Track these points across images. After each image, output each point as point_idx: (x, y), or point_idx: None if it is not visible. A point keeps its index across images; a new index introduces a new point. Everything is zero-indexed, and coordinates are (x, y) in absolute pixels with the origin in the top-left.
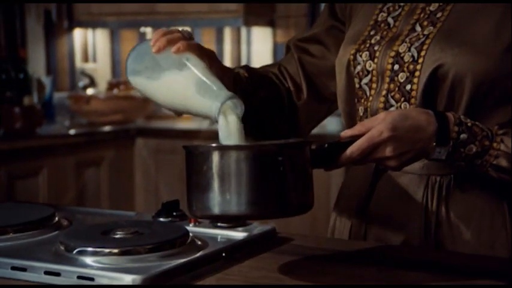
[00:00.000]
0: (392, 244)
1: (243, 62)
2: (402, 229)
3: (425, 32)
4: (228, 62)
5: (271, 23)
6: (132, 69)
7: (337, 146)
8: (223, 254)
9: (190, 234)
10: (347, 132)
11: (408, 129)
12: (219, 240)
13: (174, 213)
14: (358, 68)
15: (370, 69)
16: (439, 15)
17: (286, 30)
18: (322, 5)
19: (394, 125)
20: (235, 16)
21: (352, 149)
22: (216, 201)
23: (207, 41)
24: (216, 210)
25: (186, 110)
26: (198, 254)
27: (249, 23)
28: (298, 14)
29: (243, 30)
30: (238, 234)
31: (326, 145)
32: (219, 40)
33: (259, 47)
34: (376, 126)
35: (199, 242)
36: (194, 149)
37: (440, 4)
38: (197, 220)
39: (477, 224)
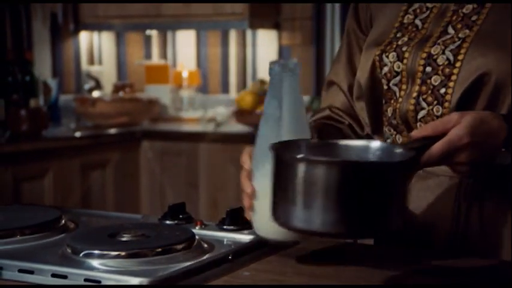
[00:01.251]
0: (408, 248)
1: (249, 65)
2: (429, 232)
3: (461, 35)
4: (233, 64)
5: (276, 26)
6: None
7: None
8: (230, 257)
9: (197, 237)
10: (418, 133)
11: (485, 135)
12: (225, 243)
13: (181, 216)
14: (386, 69)
15: (399, 70)
16: (474, 18)
17: (291, 33)
18: (328, 7)
19: (473, 130)
20: (240, 19)
21: (431, 153)
22: (303, 216)
23: (212, 43)
24: (301, 224)
25: None
26: (204, 257)
27: (254, 25)
28: (304, 16)
29: (249, 33)
30: (245, 237)
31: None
32: (224, 43)
33: (265, 49)
34: (454, 130)
35: (206, 245)
36: (285, 155)
37: (475, 7)
38: (203, 223)
39: (510, 230)
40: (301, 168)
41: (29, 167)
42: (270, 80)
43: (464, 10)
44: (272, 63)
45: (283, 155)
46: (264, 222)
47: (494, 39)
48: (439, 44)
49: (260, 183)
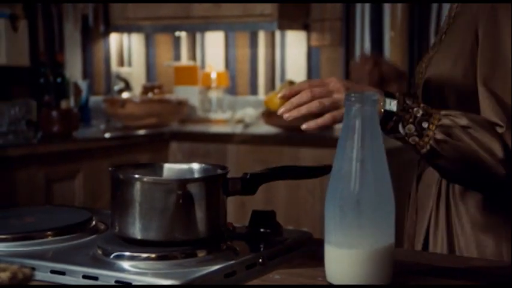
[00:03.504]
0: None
1: (277, 66)
2: (412, 234)
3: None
4: (262, 66)
5: (305, 27)
6: None
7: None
8: (260, 260)
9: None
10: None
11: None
12: (255, 245)
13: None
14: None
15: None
16: (444, 29)
17: (320, 34)
18: (358, 8)
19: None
20: (269, 20)
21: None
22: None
23: (241, 45)
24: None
25: None
26: (234, 261)
27: (283, 26)
28: (333, 17)
29: (277, 34)
30: (275, 240)
31: (248, 176)
32: (253, 44)
33: (294, 50)
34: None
35: (236, 248)
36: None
37: (449, 20)
38: (233, 225)
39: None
40: (133, 187)
41: (60, 167)
42: (346, 111)
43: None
44: (349, 95)
45: (118, 175)
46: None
47: (450, 49)
48: (428, 53)
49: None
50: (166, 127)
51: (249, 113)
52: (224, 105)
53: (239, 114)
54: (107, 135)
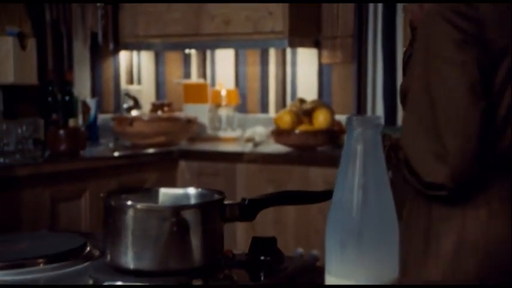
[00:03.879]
0: None
1: (288, 84)
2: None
3: None
4: (272, 83)
5: (316, 44)
6: None
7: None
8: None
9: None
10: None
11: None
12: (255, 275)
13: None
14: None
15: None
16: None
17: (332, 51)
18: (370, 25)
19: None
20: (280, 37)
21: None
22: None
23: (252, 62)
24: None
25: None
26: None
27: (294, 44)
28: (345, 34)
29: (288, 52)
30: (276, 268)
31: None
32: (264, 61)
33: (305, 68)
34: None
35: (235, 277)
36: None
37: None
38: (232, 252)
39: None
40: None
41: (66, 187)
42: (348, 135)
43: None
44: (350, 118)
45: (110, 202)
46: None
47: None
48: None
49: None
50: (175, 146)
51: (259, 131)
52: (234, 123)
53: (249, 133)
54: (115, 154)
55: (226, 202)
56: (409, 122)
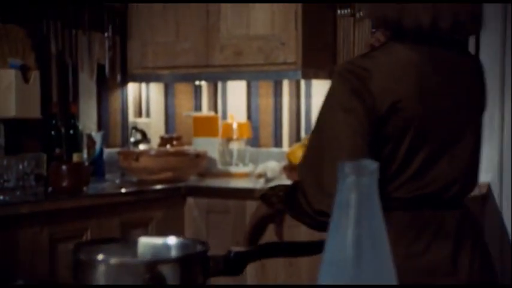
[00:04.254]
0: None
1: (303, 116)
2: None
3: None
4: (286, 116)
5: (331, 75)
6: None
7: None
8: None
9: None
10: None
11: None
12: None
13: None
14: None
15: None
16: None
17: None
18: None
19: None
20: (293, 68)
21: None
22: None
23: (264, 94)
24: None
25: None
26: None
27: (308, 75)
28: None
29: (302, 83)
30: None
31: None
32: (277, 93)
33: (319, 100)
34: None
35: None
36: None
37: None
38: None
39: None
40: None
41: (67, 225)
42: (339, 185)
43: None
44: (343, 165)
45: (79, 256)
46: None
47: None
48: None
49: None
50: (183, 182)
51: (272, 166)
52: (246, 157)
53: (261, 168)
54: (119, 190)
55: (209, 254)
56: (305, 156)
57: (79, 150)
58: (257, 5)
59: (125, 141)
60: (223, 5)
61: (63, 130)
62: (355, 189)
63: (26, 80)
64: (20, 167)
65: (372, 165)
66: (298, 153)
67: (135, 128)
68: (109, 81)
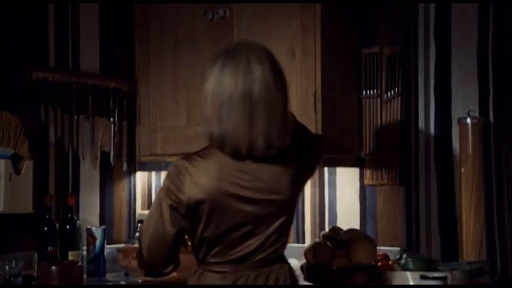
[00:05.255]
0: None
1: (327, 207)
2: None
3: None
4: (308, 206)
5: (358, 163)
6: None
7: None
8: None
9: None
10: None
11: None
12: None
13: None
14: None
15: None
16: None
17: (376, 171)
18: (421, 142)
19: None
20: None
21: None
22: None
23: None
24: None
25: None
26: None
27: (331, 163)
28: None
29: (326, 172)
30: None
31: None
32: None
33: (345, 190)
34: None
35: None
36: None
37: None
38: None
39: None
40: None
41: None
42: None
43: None
44: None
45: None
46: None
47: None
48: None
49: None
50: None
51: (293, 264)
52: None
53: None
54: None
55: None
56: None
57: (76, 247)
58: None
59: (131, 236)
60: None
61: (57, 226)
62: None
63: (17, 171)
64: (6, 267)
65: None
66: (317, 251)
67: (141, 222)
68: (114, 170)
